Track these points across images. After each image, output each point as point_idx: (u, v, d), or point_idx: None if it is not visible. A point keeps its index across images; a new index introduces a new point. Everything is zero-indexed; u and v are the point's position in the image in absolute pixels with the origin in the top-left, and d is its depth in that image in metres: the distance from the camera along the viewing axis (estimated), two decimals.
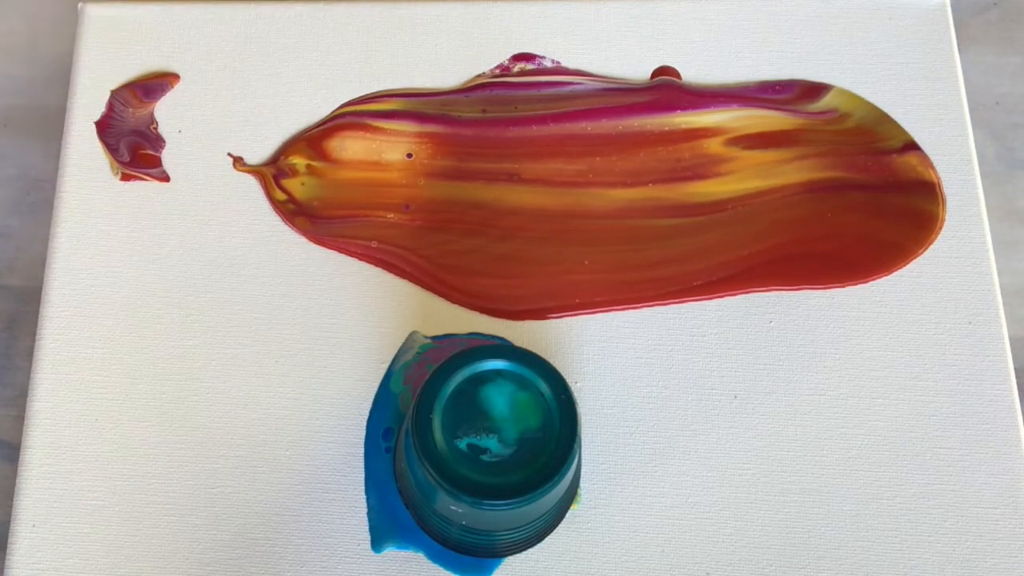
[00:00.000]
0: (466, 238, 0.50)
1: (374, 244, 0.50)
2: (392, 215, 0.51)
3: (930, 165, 0.52)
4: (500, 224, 0.51)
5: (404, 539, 0.46)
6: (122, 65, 0.54)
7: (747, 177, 0.52)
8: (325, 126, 0.53)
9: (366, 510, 0.46)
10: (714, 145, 0.52)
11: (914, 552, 0.46)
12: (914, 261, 0.50)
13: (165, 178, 0.52)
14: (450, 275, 0.50)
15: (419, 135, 0.52)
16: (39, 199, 0.53)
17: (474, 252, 0.50)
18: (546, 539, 0.46)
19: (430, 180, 0.52)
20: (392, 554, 0.46)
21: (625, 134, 0.52)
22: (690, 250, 0.50)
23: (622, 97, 0.53)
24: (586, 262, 0.50)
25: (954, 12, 0.55)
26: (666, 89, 0.53)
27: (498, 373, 0.43)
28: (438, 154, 0.52)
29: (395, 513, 0.46)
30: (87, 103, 0.53)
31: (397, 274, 0.50)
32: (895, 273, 0.50)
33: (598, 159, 0.52)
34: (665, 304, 0.49)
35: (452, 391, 0.42)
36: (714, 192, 0.51)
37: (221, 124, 0.53)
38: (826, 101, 0.53)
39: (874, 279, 0.50)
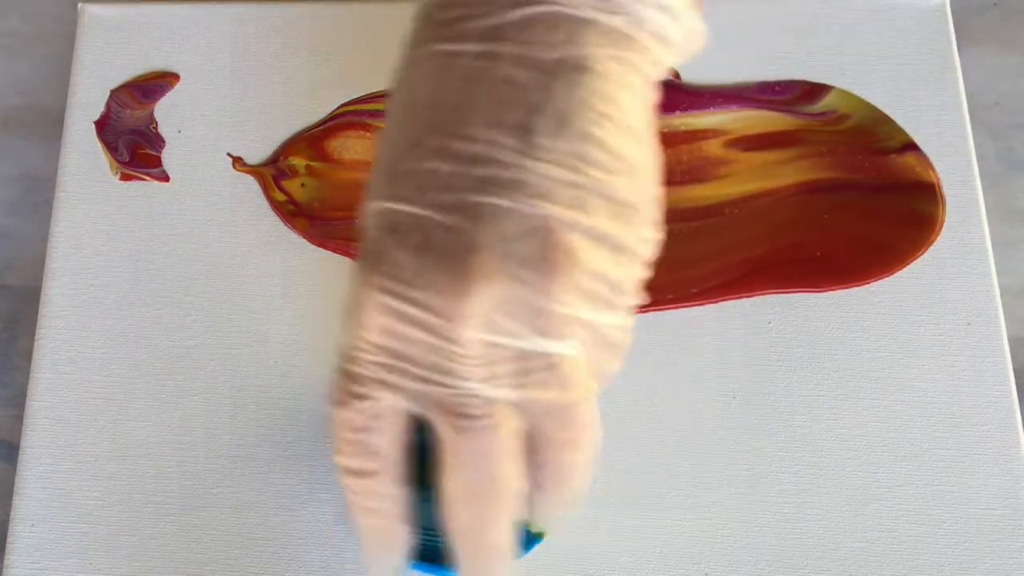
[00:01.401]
0: None
1: None
2: None
3: (929, 166, 0.52)
4: None
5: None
6: (122, 65, 0.54)
7: (746, 179, 0.52)
8: (325, 126, 0.53)
9: None
10: (713, 147, 0.52)
11: (913, 553, 0.46)
12: (914, 262, 0.50)
13: (165, 178, 0.52)
14: None
15: None
16: (39, 199, 0.53)
17: None
18: (545, 539, 0.46)
19: None
20: None
21: None
22: (688, 256, 0.50)
23: None
24: None
25: (954, 12, 0.55)
26: (665, 89, 0.53)
27: None
28: None
29: None
30: (87, 103, 0.53)
31: None
32: (895, 274, 0.50)
33: None
34: (662, 311, 0.49)
35: None
36: (713, 195, 0.51)
37: (221, 124, 0.53)
38: (826, 102, 0.53)
39: (874, 280, 0.50)
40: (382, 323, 0.35)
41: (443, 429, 0.36)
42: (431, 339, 0.34)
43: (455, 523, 0.37)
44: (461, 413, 0.35)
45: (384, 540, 0.38)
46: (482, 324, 0.34)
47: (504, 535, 0.37)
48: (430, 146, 0.35)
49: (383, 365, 0.36)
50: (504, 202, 0.34)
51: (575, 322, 0.35)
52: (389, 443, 0.37)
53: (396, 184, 0.35)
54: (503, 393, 0.35)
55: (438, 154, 0.35)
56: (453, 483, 0.36)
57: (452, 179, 0.35)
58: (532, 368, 0.35)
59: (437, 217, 0.34)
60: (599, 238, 0.35)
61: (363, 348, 0.36)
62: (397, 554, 0.39)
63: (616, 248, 0.35)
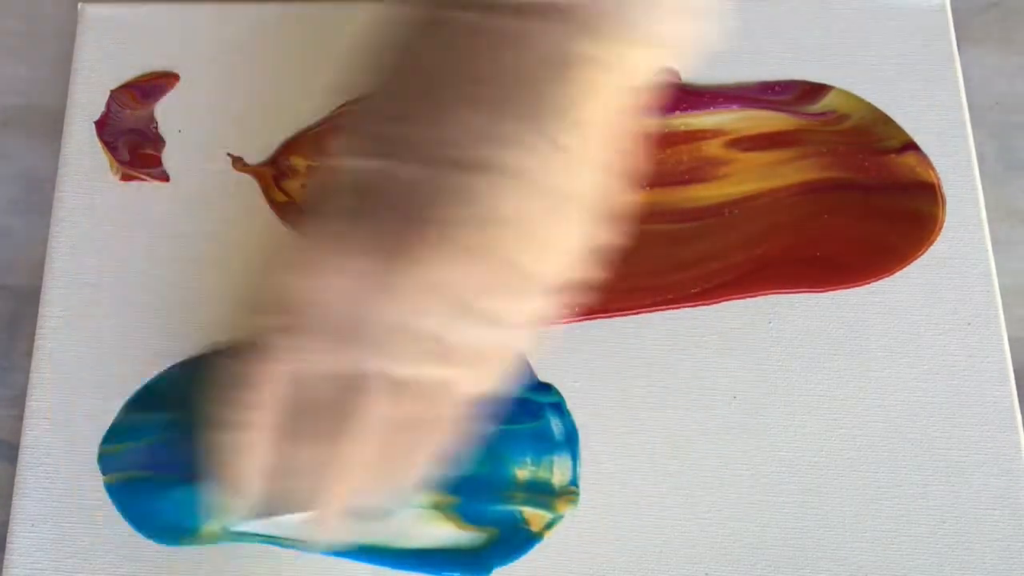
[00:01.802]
0: None
1: None
2: None
3: (929, 166, 0.52)
4: None
5: None
6: (122, 65, 0.54)
7: (746, 179, 0.52)
8: (325, 126, 0.52)
9: None
10: (713, 147, 0.52)
11: (913, 553, 0.46)
12: (914, 262, 0.50)
13: (165, 178, 0.52)
14: None
15: None
16: (39, 199, 0.53)
17: None
18: (545, 539, 0.46)
19: None
20: None
21: None
22: (688, 257, 0.50)
23: None
24: None
25: (954, 12, 0.55)
26: (665, 89, 0.53)
27: None
28: None
29: None
30: (86, 103, 0.53)
31: None
32: (895, 274, 0.50)
33: None
34: (663, 311, 0.49)
35: None
36: (713, 196, 0.51)
37: (221, 124, 0.53)
38: (826, 102, 0.53)
39: (874, 280, 0.50)
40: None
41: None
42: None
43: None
44: None
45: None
46: None
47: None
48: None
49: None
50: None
51: None
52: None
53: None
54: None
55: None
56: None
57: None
58: None
59: None
60: None
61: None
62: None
63: None
